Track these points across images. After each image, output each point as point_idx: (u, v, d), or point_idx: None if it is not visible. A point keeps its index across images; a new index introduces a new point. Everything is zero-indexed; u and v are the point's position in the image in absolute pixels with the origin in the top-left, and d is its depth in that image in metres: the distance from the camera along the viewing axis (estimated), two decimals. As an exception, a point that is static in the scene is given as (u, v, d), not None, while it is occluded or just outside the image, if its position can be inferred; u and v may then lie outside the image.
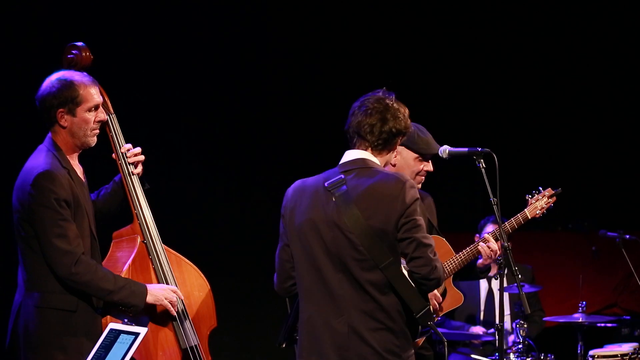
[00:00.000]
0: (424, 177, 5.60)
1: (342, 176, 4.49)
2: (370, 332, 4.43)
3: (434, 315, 5.50)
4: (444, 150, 5.45)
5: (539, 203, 5.96)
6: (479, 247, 5.71)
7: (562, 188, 6.09)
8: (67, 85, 4.88)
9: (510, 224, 5.86)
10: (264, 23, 8.60)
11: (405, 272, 4.45)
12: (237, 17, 8.50)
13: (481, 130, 8.89)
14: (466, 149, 5.31)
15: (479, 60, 9.39)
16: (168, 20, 8.14)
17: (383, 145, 4.53)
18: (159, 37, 8.06)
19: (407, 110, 4.60)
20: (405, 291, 4.44)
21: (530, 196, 5.96)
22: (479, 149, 5.27)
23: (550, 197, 6.02)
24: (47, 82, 4.93)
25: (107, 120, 5.11)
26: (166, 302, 4.99)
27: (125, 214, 5.25)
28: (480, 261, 5.77)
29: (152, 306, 5.00)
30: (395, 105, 4.55)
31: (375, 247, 4.40)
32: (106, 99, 5.17)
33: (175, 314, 5.06)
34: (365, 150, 4.53)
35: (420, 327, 4.54)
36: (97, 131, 4.99)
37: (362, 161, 4.52)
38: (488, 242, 5.71)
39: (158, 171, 5.63)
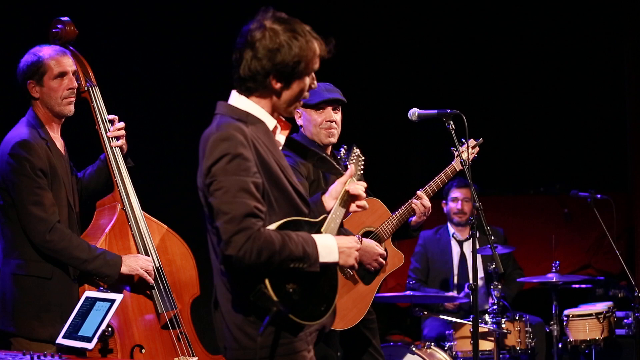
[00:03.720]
0: (333, 129, 5.62)
1: None
2: (228, 306, 3.77)
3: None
4: (414, 113, 5.49)
5: (464, 154, 5.93)
6: (413, 204, 5.77)
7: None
8: (32, 57, 5.05)
9: (440, 178, 5.91)
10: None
11: None
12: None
13: (451, 95, 8.93)
14: (435, 111, 5.35)
15: (449, 28, 9.42)
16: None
17: (247, 86, 3.80)
18: (150, 13, 8.05)
19: (276, 29, 3.73)
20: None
21: (454, 149, 5.89)
22: (448, 111, 5.31)
23: (473, 147, 5.99)
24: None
25: (89, 91, 5.24)
26: (142, 272, 5.05)
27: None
28: (414, 219, 5.83)
29: (130, 274, 5.07)
30: (257, 33, 3.74)
31: (208, 207, 3.72)
32: (89, 70, 5.29)
33: (152, 281, 5.11)
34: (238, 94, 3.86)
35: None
36: (72, 99, 5.08)
37: (221, 106, 3.88)
38: (421, 199, 5.78)
39: (143, 142, 5.68)
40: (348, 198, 4.00)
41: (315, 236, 3.77)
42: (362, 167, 4.27)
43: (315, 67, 3.81)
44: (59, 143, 5.10)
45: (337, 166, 4.22)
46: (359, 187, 4.01)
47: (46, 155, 4.92)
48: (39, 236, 4.84)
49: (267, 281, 3.61)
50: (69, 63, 5.07)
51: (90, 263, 4.90)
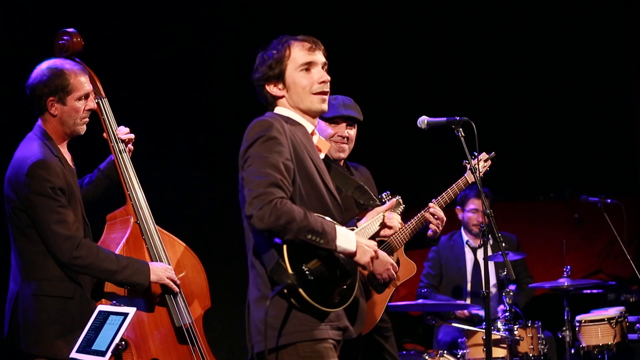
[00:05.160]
0: (343, 144, 5.67)
1: None
2: (254, 304, 4.11)
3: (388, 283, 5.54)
4: (423, 121, 5.46)
5: (476, 166, 5.93)
6: (426, 215, 5.78)
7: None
8: (58, 74, 4.94)
9: (453, 189, 5.94)
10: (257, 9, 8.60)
11: None
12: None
13: (459, 101, 8.92)
14: (444, 119, 5.31)
15: (458, 37, 9.42)
16: (160, 5, 8.12)
17: (266, 106, 4.34)
18: (151, 22, 8.05)
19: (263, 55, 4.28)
20: (261, 247, 4.05)
21: (467, 162, 5.91)
22: (457, 118, 5.27)
23: (485, 161, 6.09)
24: (37, 70, 4.98)
25: (99, 104, 5.21)
26: (167, 281, 5.06)
27: (117, 199, 5.31)
28: (430, 232, 5.82)
29: (156, 283, 5.06)
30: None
31: (242, 196, 4.06)
32: (97, 83, 5.26)
33: (177, 291, 5.13)
34: None
35: (310, 294, 3.94)
36: (87, 120, 5.05)
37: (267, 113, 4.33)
38: (434, 210, 5.77)
39: (151, 154, 5.67)
40: (381, 224, 4.38)
41: (336, 224, 4.06)
42: (399, 213, 4.61)
43: (300, 61, 4.22)
44: (68, 157, 5.06)
45: (375, 198, 4.47)
46: (395, 219, 4.42)
47: (62, 173, 4.87)
48: (67, 254, 4.78)
49: (285, 255, 3.90)
50: (88, 83, 5.03)
51: (120, 273, 4.88)
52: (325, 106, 4.28)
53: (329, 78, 4.26)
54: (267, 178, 3.90)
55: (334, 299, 4.03)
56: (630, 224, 8.61)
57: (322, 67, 4.27)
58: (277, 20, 8.42)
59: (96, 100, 5.20)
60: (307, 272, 3.93)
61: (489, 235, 5.36)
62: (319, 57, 4.26)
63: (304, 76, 4.22)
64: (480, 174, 5.99)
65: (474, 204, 8.18)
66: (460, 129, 5.27)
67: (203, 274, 5.40)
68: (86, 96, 5.00)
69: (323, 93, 4.25)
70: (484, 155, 6.07)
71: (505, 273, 7.52)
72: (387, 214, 4.34)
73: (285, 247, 3.93)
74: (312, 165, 4.14)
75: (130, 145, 5.30)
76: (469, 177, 5.98)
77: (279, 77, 4.22)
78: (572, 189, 8.80)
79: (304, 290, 3.92)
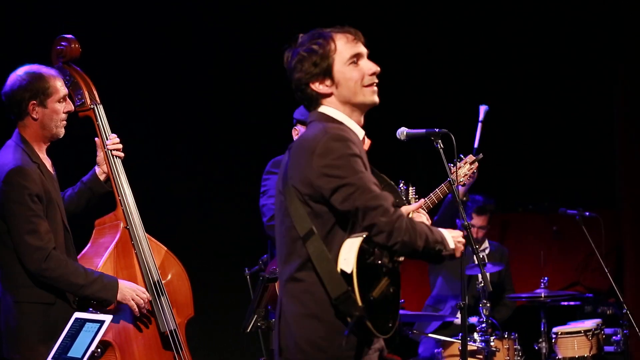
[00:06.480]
0: None
1: None
2: (298, 319, 3.84)
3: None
4: (402, 132, 5.47)
5: (461, 170, 5.93)
6: None
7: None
8: (37, 77, 4.99)
9: (436, 194, 5.89)
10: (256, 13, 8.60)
11: (346, 245, 3.78)
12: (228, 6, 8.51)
13: (441, 111, 8.92)
14: (424, 130, 5.32)
15: (438, 43, 9.43)
16: (157, 12, 8.13)
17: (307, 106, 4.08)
18: (147, 29, 8.06)
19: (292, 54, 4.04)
20: (322, 270, 3.76)
21: (452, 164, 5.89)
22: (437, 130, 5.28)
23: (472, 163, 6.05)
24: (13, 76, 5.03)
25: (94, 110, 5.28)
26: (132, 303, 5.07)
27: (106, 206, 5.37)
28: None
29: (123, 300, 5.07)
30: (289, 58, 4.06)
31: (297, 213, 3.83)
32: (93, 89, 5.34)
33: (138, 314, 5.11)
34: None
35: (370, 323, 3.72)
36: (65, 122, 5.09)
37: (313, 115, 4.06)
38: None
39: (140, 161, 5.70)
40: None
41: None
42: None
43: (348, 54, 3.98)
44: (48, 163, 5.09)
45: (404, 197, 4.40)
46: (423, 218, 4.16)
47: (40, 179, 4.90)
48: (35, 264, 4.81)
49: (355, 285, 3.68)
50: (64, 86, 5.08)
51: (88, 288, 4.90)
52: (376, 98, 4.05)
53: (379, 69, 4.06)
54: (387, 200, 3.78)
55: (388, 322, 3.87)
56: (608, 237, 8.68)
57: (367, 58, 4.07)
58: (272, 21, 8.42)
59: (91, 106, 5.30)
60: (372, 301, 3.74)
61: (467, 247, 5.36)
62: (363, 47, 4.05)
63: (354, 69, 3.98)
64: (466, 177, 5.98)
65: (472, 219, 8.15)
66: (439, 141, 5.28)
67: (188, 283, 5.44)
68: (64, 98, 5.05)
69: (374, 84, 4.05)
70: (470, 158, 6.04)
71: (482, 284, 7.51)
72: (414, 215, 4.12)
73: (355, 277, 3.70)
74: (370, 173, 3.95)
75: (120, 153, 5.34)
76: (448, 185, 5.94)
77: (327, 74, 3.96)
78: (551, 202, 8.82)
79: (370, 322, 3.73)
